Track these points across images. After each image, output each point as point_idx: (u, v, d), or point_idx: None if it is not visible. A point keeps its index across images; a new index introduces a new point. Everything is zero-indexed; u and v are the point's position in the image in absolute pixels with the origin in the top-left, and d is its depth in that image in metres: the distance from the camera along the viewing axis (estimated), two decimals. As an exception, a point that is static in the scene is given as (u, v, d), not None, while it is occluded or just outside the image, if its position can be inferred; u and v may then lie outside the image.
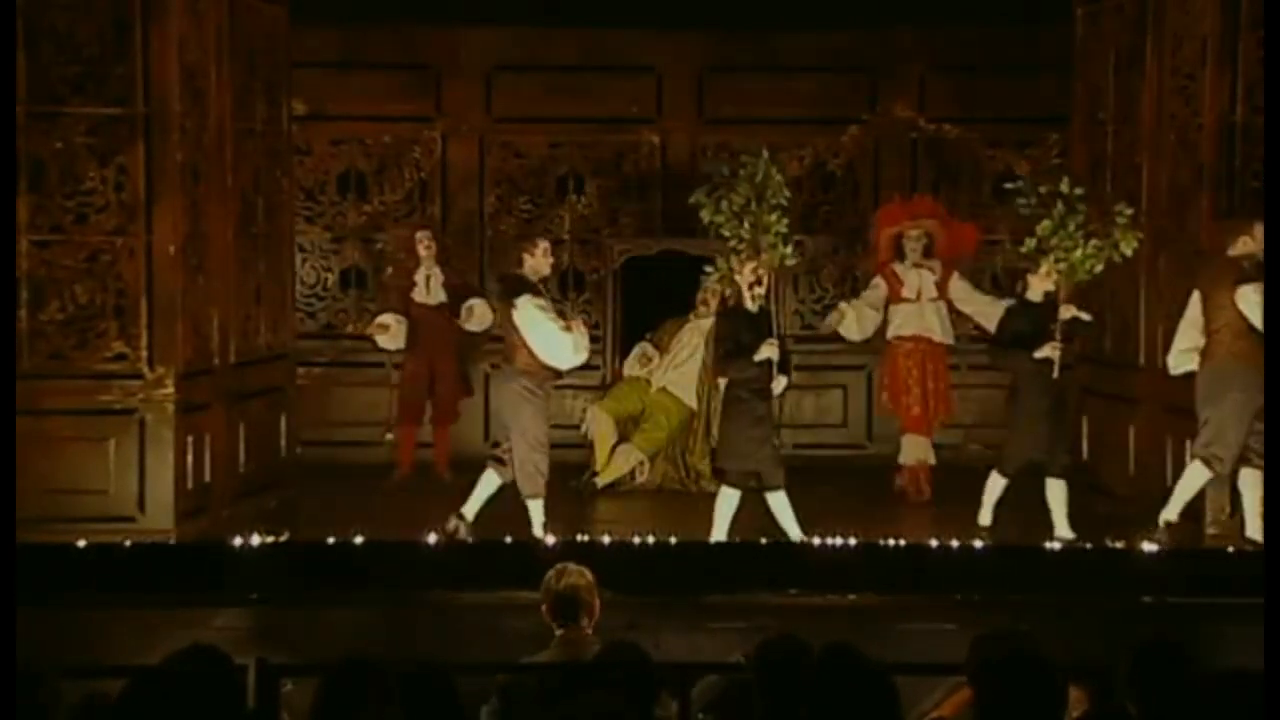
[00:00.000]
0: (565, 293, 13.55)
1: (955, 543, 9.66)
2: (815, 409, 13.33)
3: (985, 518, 10.29)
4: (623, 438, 12.06)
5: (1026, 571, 9.43)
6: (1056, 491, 10.14)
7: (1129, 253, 10.05)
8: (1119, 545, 9.71)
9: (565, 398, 13.19)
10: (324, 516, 10.63)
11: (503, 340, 10.39)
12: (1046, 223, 9.94)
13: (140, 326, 10.12)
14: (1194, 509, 10.11)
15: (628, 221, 13.62)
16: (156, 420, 10.08)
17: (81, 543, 9.37)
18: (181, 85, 10.23)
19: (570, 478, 11.97)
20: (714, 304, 12.11)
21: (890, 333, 11.73)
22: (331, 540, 9.60)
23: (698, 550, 9.69)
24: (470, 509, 10.11)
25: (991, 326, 11.40)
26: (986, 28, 13.10)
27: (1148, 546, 9.56)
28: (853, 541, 9.66)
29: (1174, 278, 10.64)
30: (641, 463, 12.05)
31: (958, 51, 13.35)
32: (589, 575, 6.53)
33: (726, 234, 9.86)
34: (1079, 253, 9.91)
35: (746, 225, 9.75)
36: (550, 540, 9.50)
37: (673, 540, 9.79)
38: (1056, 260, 9.98)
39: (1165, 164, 10.78)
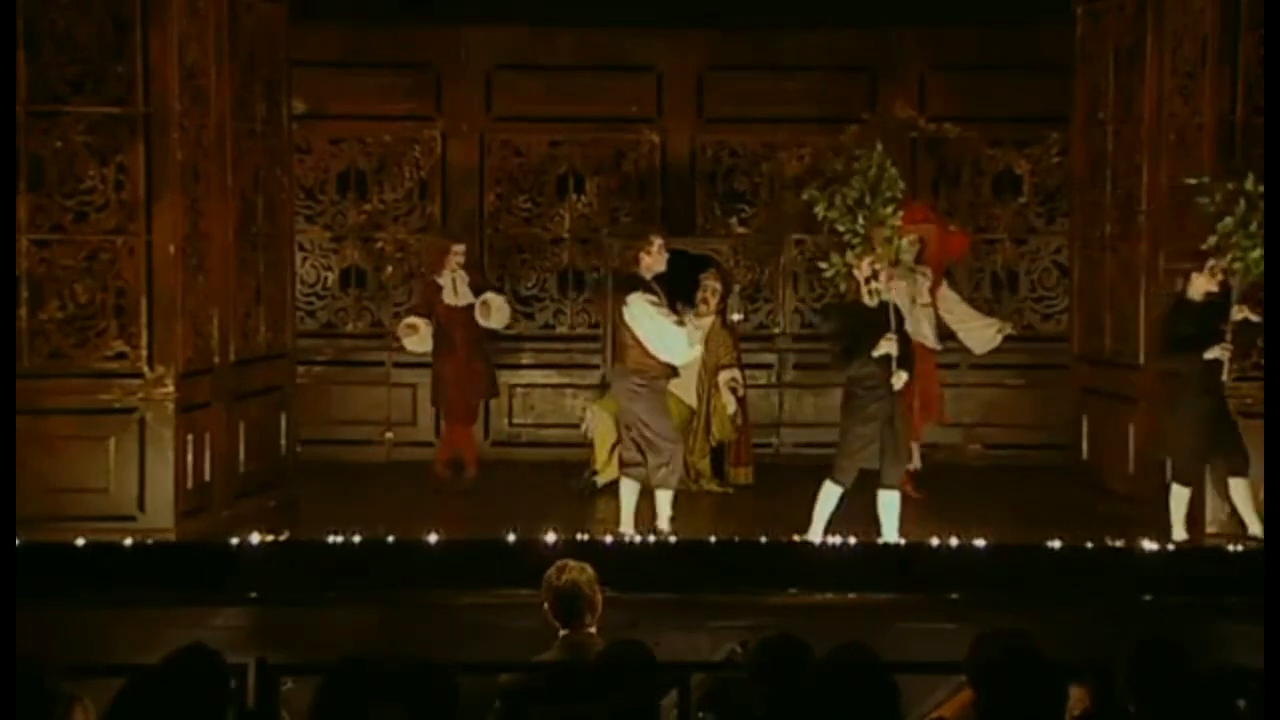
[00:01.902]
0: (565, 292, 13.57)
1: (955, 542, 9.66)
2: (815, 408, 13.32)
3: (1180, 531, 9.97)
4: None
5: (1026, 571, 9.43)
6: (1241, 491, 9.86)
7: None
8: (1119, 544, 9.71)
9: (565, 397, 13.21)
10: (324, 515, 10.62)
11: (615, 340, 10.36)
12: (1228, 220, 9.74)
13: (140, 325, 10.12)
14: (1193, 509, 10.11)
15: (628, 221, 13.62)
16: (156, 419, 10.09)
17: (81, 542, 9.38)
18: (181, 84, 10.23)
19: (570, 477, 11.98)
20: (713, 303, 12.12)
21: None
22: (331, 539, 9.60)
23: (698, 549, 9.69)
24: (625, 520, 10.11)
25: (970, 342, 11.39)
26: (987, 27, 13.10)
27: (1147, 545, 9.56)
28: (852, 540, 9.66)
29: (1174, 277, 10.64)
30: (641, 462, 12.03)
31: (958, 51, 13.35)
32: (590, 570, 6.51)
33: (841, 229, 9.79)
34: (1257, 252, 9.73)
35: (861, 220, 9.68)
36: (550, 538, 9.49)
37: (672, 539, 9.80)
38: (1233, 260, 9.81)
39: (1165, 163, 10.78)
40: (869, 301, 9.74)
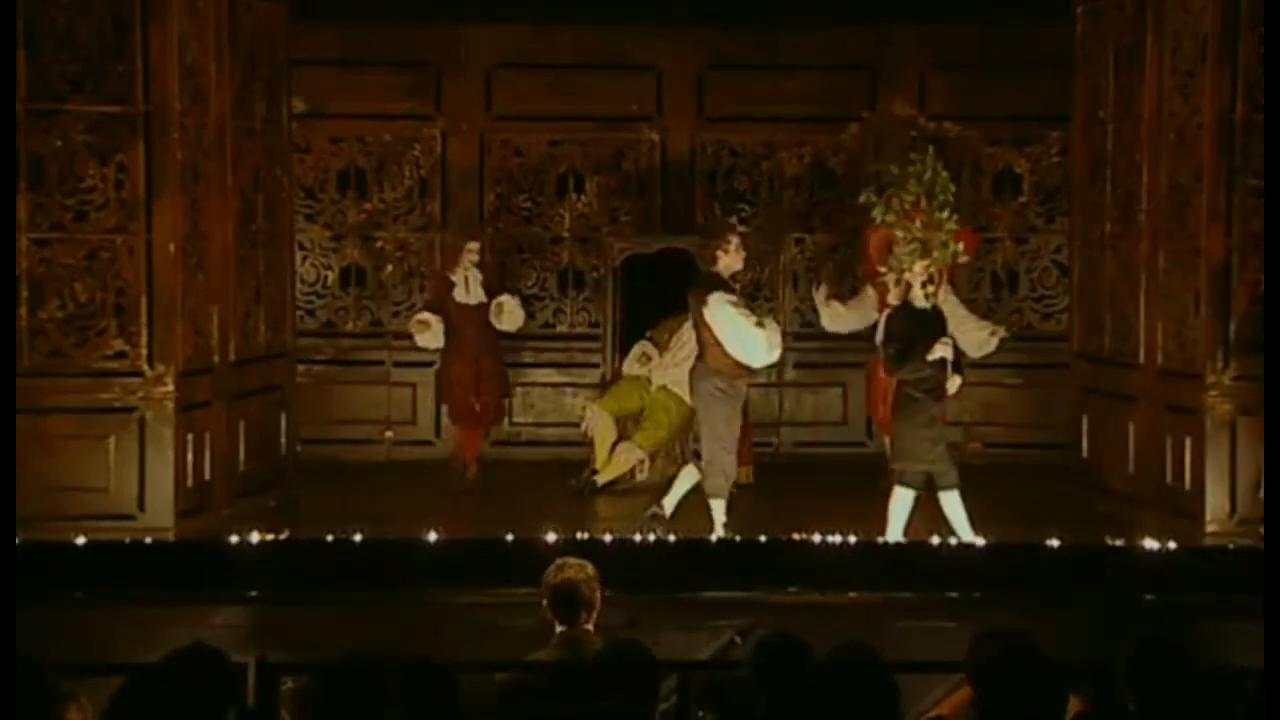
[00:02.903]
0: (565, 291, 13.56)
1: (954, 540, 9.66)
2: (815, 407, 13.34)
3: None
4: (623, 436, 12.06)
5: (1027, 569, 9.44)
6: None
7: None
8: (1119, 544, 9.71)
9: (565, 396, 13.21)
10: (324, 515, 10.63)
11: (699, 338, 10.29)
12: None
13: (140, 324, 10.12)
14: (1193, 508, 10.13)
15: (627, 220, 13.63)
16: (156, 418, 10.09)
17: (81, 540, 9.38)
18: (181, 83, 10.24)
19: (570, 476, 11.98)
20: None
21: (877, 338, 11.70)
22: (331, 538, 9.61)
23: (698, 548, 9.69)
24: (670, 502, 10.11)
25: (968, 347, 11.36)
26: (987, 26, 13.10)
27: (1148, 545, 9.56)
28: (852, 539, 9.66)
29: (1173, 275, 10.65)
30: (642, 461, 12.05)
31: (958, 49, 13.35)
32: (589, 568, 6.50)
33: (899, 233, 9.78)
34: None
35: (918, 224, 9.67)
36: (550, 537, 9.49)
37: (672, 538, 9.80)
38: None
39: (1165, 162, 10.78)
40: (924, 305, 9.74)
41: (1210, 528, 10.09)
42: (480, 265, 12.23)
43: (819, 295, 11.74)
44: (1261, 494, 9.55)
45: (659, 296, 12.46)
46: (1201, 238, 10.30)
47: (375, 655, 4.93)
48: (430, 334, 12.14)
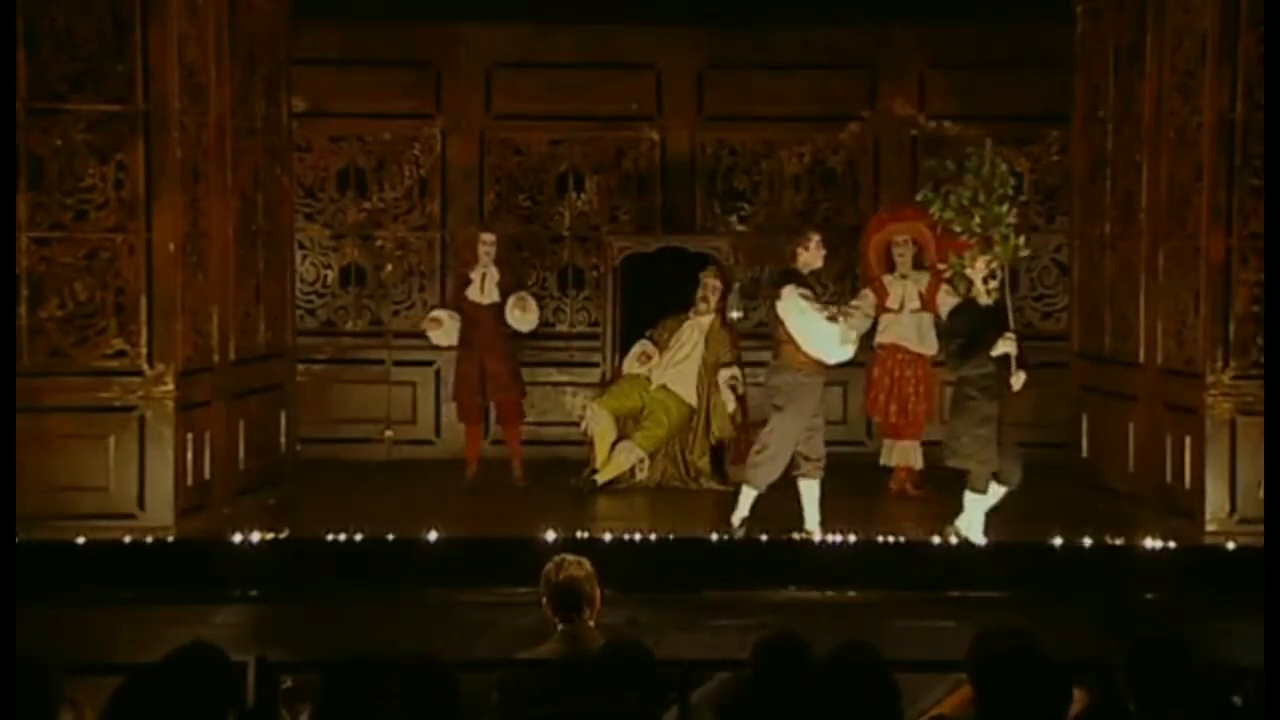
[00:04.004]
0: (565, 290, 13.56)
1: (954, 540, 9.66)
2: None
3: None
4: (622, 435, 12.06)
5: (1027, 568, 9.44)
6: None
7: None
8: (1119, 542, 9.71)
9: (565, 395, 13.20)
10: (324, 513, 10.62)
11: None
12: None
13: (140, 324, 10.12)
14: (1193, 508, 10.12)
15: (627, 219, 13.63)
16: (156, 417, 10.09)
17: (81, 540, 9.39)
18: (181, 82, 10.23)
19: (570, 475, 11.98)
20: (713, 301, 12.12)
21: (875, 341, 11.71)
22: (331, 537, 9.61)
23: (698, 547, 9.70)
24: (811, 521, 9.99)
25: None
26: (987, 25, 13.10)
27: (1148, 544, 9.57)
28: (852, 538, 9.67)
29: (1173, 275, 10.65)
30: (641, 460, 12.05)
31: (958, 48, 13.36)
32: (588, 566, 6.51)
33: (958, 229, 9.75)
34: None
35: (977, 219, 9.63)
36: (550, 536, 9.49)
37: (672, 537, 9.80)
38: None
39: (1165, 161, 10.78)
40: (987, 301, 9.71)
41: (1210, 527, 10.09)
42: (498, 263, 12.16)
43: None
44: (1261, 494, 9.55)
45: (659, 295, 12.47)
46: (1201, 238, 10.30)
47: (375, 653, 4.93)
48: (441, 331, 12.11)
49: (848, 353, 10.12)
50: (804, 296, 9.92)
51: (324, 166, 13.53)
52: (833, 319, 9.92)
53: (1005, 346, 9.55)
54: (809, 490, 10.03)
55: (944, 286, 11.67)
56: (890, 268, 11.74)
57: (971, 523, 9.70)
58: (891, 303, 11.63)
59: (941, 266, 10.09)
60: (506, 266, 12.28)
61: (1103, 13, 11.74)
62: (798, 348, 9.94)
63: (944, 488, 11.50)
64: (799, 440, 9.96)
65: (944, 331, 10.00)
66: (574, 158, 13.61)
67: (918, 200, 10.12)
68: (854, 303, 11.85)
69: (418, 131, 13.55)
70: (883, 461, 11.82)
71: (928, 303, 11.55)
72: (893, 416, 11.68)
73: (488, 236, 12.17)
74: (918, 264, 11.66)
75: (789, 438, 9.99)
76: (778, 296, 9.97)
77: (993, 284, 9.70)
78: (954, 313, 10.04)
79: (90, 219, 10.11)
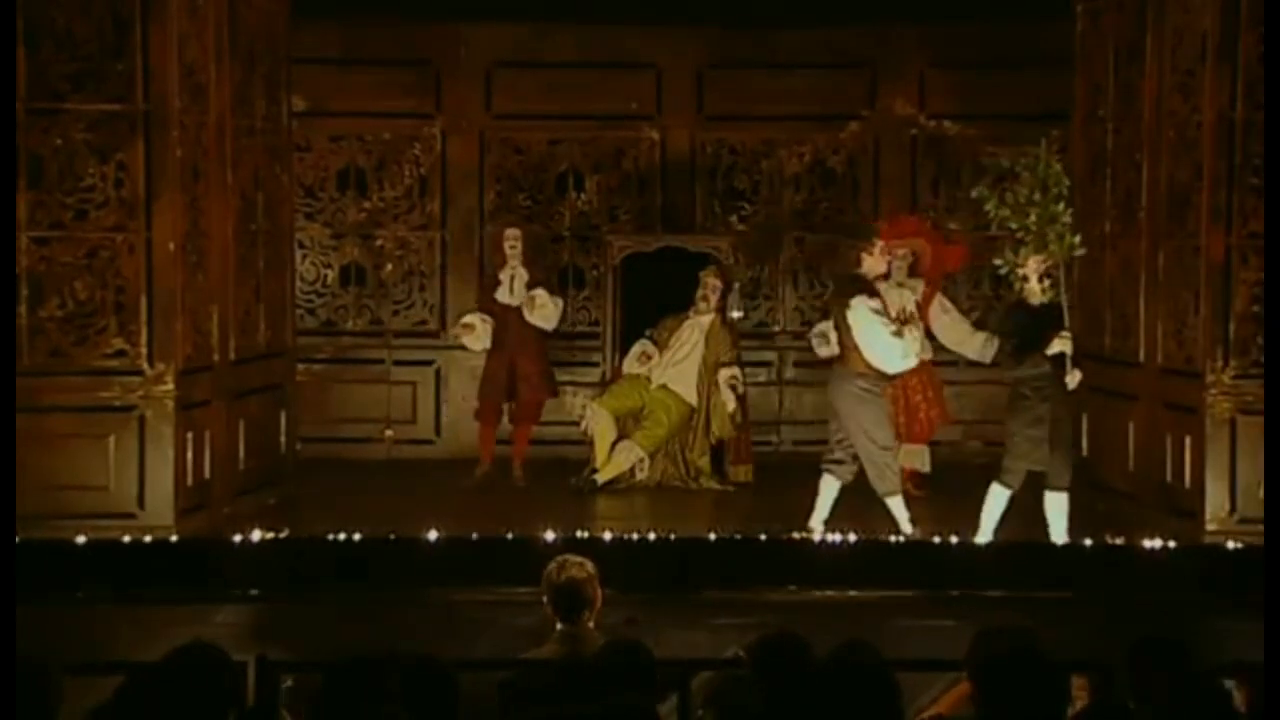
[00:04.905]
0: (565, 290, 13.56)
1: (955, 539, 9.66)
2: (815, 406, 13.27)
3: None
4: (622, 435, 12.05)
5: (1027, 568, 9.43)
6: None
7: None
8: (1119, 542, 9.71)
9: (565, 395, 13.20)
10: (324, 513, 10.62)
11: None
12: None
13: (140, 323, 10.11)
14: (1193, 507, 10.12)
15: (627, 218, 13.63)
16: (156, 417, 10.08)
17: (81, 539, 9.38)
18: (181, 82, 10.23)
19: (570, 475, 11.98)
20: (713, 300, 12.12)
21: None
22: (331, 537, 9.60)
23: (697, 547, 9.69)
24: (818, 518, 9.99)
25: (969, 356, 11.33)
26: (987, 24, 13.10)
27: (1147, 544, 9.56)
28: (852, 538, 9.66)
29: (1173, 274, 10.65)
30: (641, 460, 12.04)
31: (958, 48, 13.35)
32: (590, 567, 6.51)
33: (1014, 227, 9.72)
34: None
35: (1034, 217, 9.60)
36: (550, 536, 9.49)
37: (672, 536, 9.80)
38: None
39: (1165, 161, 10.78)
40: (1042, 299, 9.69)
41: (1210, 526, 10.08)
42: (525, 262, 12.13)
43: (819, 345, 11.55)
44: (1261, 493, 9.55)
45: (659, 295, 12.47)
46: (1201, 237, 10.29)
47: (375, 653, 4.93)
48: (474, 336, 12.08)
49: (910, 364, 10.18)
50: (873, 309, 9.91)
51: (324, 166, 13.53)
52: (898, 334, 9.93)
53: (1061, 345, 9.53)
54: (829, 488, 10.05)
55: (938, 298, 11.67)
56: (885, 276, 11.70)
57: (987, 521, 9.68)
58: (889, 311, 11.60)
59: (997, 262, 10.05)
60: (534, 264, 12.25)
61: (1103, 12, 11.74)
62: (861, 356, 9.95)
63: (944, 488, 11.53)
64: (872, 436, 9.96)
65: (997, 330, 9.97)
66: (574, 157, 13.61)
67: (973, 196, 10.10)
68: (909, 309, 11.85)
69: (418, 131, 13.54)
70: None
71: (922, 312, 11.53)
72: (901, 428, 11.63)
73: (512, 232, 12.13)
74: (912, 274, 11.64)
75: (886, 436, 10.04)
76: (846, 305, 9.97)
77: (1047, 283, 9.69)
78: (1007, 313, 10.02)
79: (90, 218, 10.10)
